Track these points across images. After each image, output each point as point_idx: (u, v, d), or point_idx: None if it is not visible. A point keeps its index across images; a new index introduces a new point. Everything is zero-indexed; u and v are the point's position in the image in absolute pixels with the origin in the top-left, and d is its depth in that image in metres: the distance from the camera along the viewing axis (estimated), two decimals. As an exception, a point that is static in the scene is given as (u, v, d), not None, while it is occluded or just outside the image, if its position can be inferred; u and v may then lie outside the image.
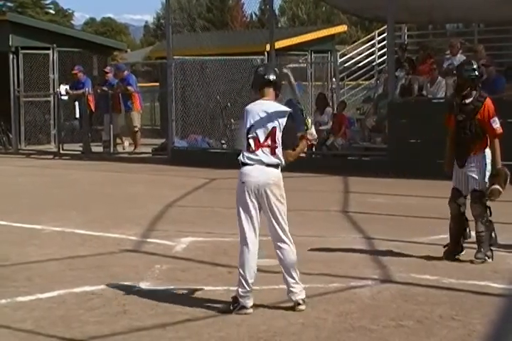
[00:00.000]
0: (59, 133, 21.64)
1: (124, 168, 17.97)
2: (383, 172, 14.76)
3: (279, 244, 6.54)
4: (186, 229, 10.07)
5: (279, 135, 6.58)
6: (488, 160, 8.33)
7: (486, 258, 8.21)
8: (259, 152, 6.55)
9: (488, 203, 8.37)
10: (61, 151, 21.02)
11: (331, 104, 19.36)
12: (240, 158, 6.60)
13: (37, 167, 18.57)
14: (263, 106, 6.69)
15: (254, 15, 50.33)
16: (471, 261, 8.16)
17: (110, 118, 20.39)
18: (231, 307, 6.47)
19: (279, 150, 6.57)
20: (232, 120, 18.25)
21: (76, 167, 18.37)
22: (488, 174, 8.32)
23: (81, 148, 20.85)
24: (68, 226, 10.42)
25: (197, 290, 7.13)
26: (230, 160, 16.25)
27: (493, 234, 8.39)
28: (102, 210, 11.87)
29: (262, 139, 6.57)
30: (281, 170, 6.66)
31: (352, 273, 7.76)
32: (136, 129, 20.26)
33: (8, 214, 11.46)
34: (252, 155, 6.55)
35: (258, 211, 6.53)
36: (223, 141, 18.72)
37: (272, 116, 6.63)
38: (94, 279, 7.57)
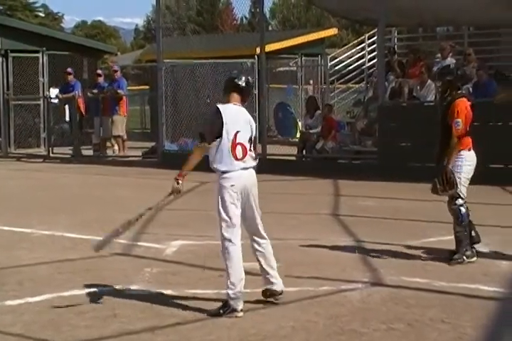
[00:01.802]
0: (49, 137, 21.59)
1: (113, 171, 17.93)
2: (374, 176, 14.76)
3: (259, 239, 6.75)
4: (177, 232, 10.05)
5: (254, 142, 6.79)
6: (465, 162, 8.26)
7: (464, 258, 8.20)
8: (246, 158, 6.63)
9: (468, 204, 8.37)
10: (51, 155, 20.97)
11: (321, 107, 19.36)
12: (226, 166, 6.59)
13: (27, 170, 18.53)
14: (241, 113, 6.74)
15: (244, 19, 50.46)
16: (449, 263, 8.17)
17: (100, 122, 20.35)
18: (221, 311, 6.46)
19: (256, 155, 6.78)
20: (223, 123, 18.22)
21: (66, 170, 18.32)
22: (463, 176, 8.25)
23: (71, 152, 20.81)
24: (58, 229, 10.39)
25: (187, 293, 7.11)
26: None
27: (473, 233, 8.38)
28: (91, 213, 11.83)
29: (247, 146, 6.65)
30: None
31: (342, 276, 7.75)
32: (117, 134, 20.17)
33: (-3, 217, 11.42)
34: (240, 163, 6.60)
35: (240, 212, 6.64)
36: (213, 145, 18.67)
37: (250, 124, 6.76)
38: (84, 283, 7.54)
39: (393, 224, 10.67)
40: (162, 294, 7.13)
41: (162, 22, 19.70)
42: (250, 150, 6.66)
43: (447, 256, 8.34)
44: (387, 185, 14.22)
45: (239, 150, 6.58)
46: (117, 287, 7.38)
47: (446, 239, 8.85)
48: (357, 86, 22.93)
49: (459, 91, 8.56)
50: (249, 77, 6.93)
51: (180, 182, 6.75)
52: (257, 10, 22.32)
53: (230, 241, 6.55)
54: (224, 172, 6.58)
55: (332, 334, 5.99)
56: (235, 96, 6.76)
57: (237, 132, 6.59)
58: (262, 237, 6.77)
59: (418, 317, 6.34)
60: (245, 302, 6.55)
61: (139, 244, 9.44)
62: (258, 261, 6.80)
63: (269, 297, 6.82)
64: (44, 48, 22.34)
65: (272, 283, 6.79)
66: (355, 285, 7.36)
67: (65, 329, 6.19)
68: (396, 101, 16.65)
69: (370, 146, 16.69)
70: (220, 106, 6.69)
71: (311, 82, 23.44)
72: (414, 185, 13.83)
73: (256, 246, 6.77)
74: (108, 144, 20.79)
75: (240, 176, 6.58)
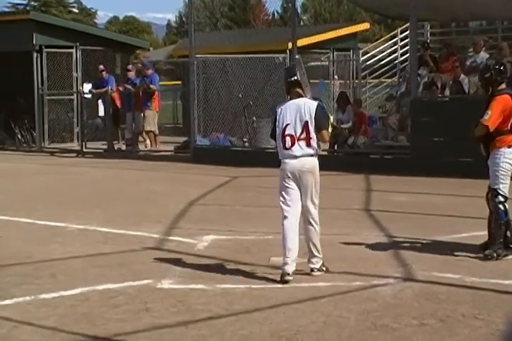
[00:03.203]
0: (82, 132, 21.73)
1: (146, 166, 18.02)
2: (406, 171, 14.70)
3: (306, 224, 7.56)
4: (208, 227, 10.09)
5: (311, 128, 7.43)
6: (503, 159, 8.20)
7: (495, 255, 8.14)
8: (294, 147, 7.45)
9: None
10: (84, 149, 21.11)
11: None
12: (280, 155, 7.54)
13: (60, 165, 18.66)
14: (292, 105, 7.55)
15: (276, 13, 50.32)
16: (480, 259, 8.12)
17: (133, 117, 20.45)
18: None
19: (313, 141, 7.45)
20: (254, 118, 18.26)
21: (99, 165, 18.44)
22: (501, 173, 8.20)
23: (104, 146, 20.93)
24: (91, 224, 10.47)
25: (219, 288, 7.15)
26: (252, 158, 16.44)
27: (508, 234, 8.31)
28: (124, 208, 11.91)
29: (297, 134, 7.43)
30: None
31: (374, 271, 7.74)
32: (148, 129, 20.26)
33: (31, 211, 11.53)
34: (288, 152, 7.46)
35: (296, 192, 7.45)
36: (245, 139, 18.72)
37: (302, 112, 7.46)
38: (117, 277, 7.61)
39: (425, 219, 10.63)
40: (194, 289, 7.17)
41: (194, 17, 19.73)
42: (300, 139, 7.41)
43: (480, 252, 8.31)
44: (420, 180, 14.16)
45: (287, 140, 7.46)
46: (150, 281, 7.43)
47: (478, 235, 8.80)
48: (389, 81, 22.82)
49: (501, 86, 8.43)
50: (296, 71, 7.62)
51: None
52: (289, 5, 22.20)
53: (284, 216, 7.43)
54: (280, 159, 7.51)
55: (364, 329, 5.99)
56: (290, 91, 7.64)
57: (287, 125, 7.47)
58: (309, 222, 7.54)
59: (450, 313, 6.32)
60: (278, 298, 6.60)
61: (171, 238, 9.50)
62: None
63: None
64: (78, 43, 22.48)
65: (309, 260, 7.61)
66: (387, 281, 7.35)
67: (99, 322, 6.25)
68: (429, 95, 16.53)
69: (403, 141, 16.62)
70: (277, 107, 7.66)
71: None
72: (446, 180, 13.79)
73: (306, 226, 7.58)
74: (140, 139, 20.88)
75: (288, 163, 7.45)
